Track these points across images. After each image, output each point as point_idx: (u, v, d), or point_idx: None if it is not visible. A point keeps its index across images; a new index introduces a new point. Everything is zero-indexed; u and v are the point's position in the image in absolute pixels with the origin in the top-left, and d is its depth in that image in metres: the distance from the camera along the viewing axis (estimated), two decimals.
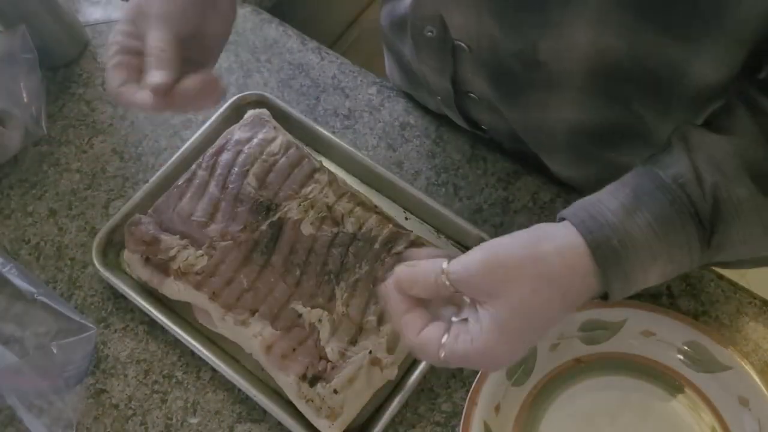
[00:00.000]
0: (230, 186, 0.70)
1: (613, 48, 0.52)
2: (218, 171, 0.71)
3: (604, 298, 0.47)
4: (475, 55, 0.61)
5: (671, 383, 0.64)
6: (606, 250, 0.44)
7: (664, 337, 0.64)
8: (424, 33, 0.63)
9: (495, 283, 0.45)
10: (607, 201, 0.46)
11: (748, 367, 0.61)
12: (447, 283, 0.46)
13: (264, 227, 0.68)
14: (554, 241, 0.45)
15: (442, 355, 0.46)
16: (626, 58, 0.52)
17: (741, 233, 0.46)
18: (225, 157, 0.72)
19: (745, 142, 0.46)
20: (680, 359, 0.64)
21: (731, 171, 0.45)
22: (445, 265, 0.46)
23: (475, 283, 0.45)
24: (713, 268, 0.69)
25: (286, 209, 0.69)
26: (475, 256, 0.46)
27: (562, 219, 0.47)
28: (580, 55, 0.54)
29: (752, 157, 0.46)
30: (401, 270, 0.49)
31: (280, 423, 0.64)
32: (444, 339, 0.46)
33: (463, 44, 0.61)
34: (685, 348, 0.64)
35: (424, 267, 0.48)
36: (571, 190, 0.74)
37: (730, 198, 0.45)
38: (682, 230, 0.45)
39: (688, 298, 0.68)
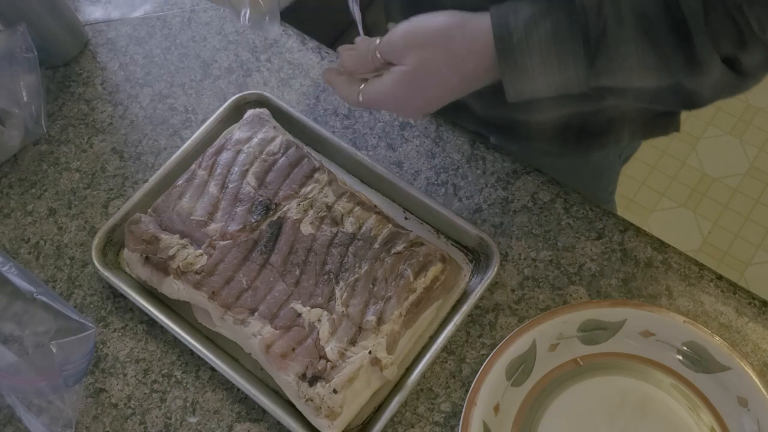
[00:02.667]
0: (230, 185, 0.70)
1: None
2: (218, 170, 0.71)
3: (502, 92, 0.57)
4: None
5: (670, 384, 0.64)
6: (506, 45, 0.54)
7: (664, 338, 0.64)
8: None
9: (407, 47, 0.57)
10: (523, 8, 0.54)
11: (747, 368, 0.61)
12: (378, 55, 0.59)
13: (263, 227, 0.68)
14: (467, 25, 0.56)
15: (360, 97, 0.61)
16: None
17: (619, 61, 0.53)
18: (225, 156, 0.72)
19: None
20: (679, 359, 0.64)
21: (625, 10, 0.52)
22: (377, 41, 0.59)
23: (395, 48, 0.58)
24: (711, 270, 0.70)
25: (285, 209, 0.69)
26: (400, 26, 0.58)
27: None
28: None
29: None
30: (343, 53, 0.62)
31: (279, 422, 0.64)
32: (362, 86, 0.61)
33: None
34: (685, 348, 0.64)
35: (361, 46, 0.61)
36: (571, 190, 0.74)
37: (617, 29, 0.53)
38: (572, 44, 0.53)
39: (688, 299, 0.68)
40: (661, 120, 0.82)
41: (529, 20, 0.54)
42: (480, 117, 0.81)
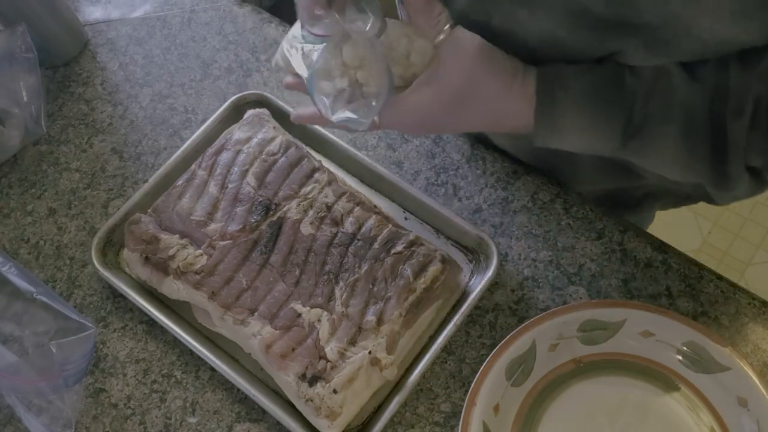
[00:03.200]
0: (229, 185, 0.70)
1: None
2: (218, 170, 0.71)
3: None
4: None
5: (670, 384, 0.64)
6: (546, 106, 0.53)
7: (663, 338, 0.64)
8: None
9: (471, 56, 0.54)
10: (570, 75, 0.53)
11: (747, 368, 0.61)
12: (447, 26, 0.55)
13: (263, 227, 0.68)
14: (525, 70, 0.55)
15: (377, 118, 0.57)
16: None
17: (653, 152, 0.54)
18: (224, 156, 0.72)
19: (697, 89, 0.52)
20: (679, 360, 0.64)
21: (673, 108, 0.52)
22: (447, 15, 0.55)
23: (461, 47, 0.54)
24: (711, 270, 0.70)
25: (285, 209, 0.69)
26: (472, 34, 0.54)
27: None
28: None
29: (696, 104, 0.52)
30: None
31: (279, 423, 0.64)
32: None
33: None
34: (684, 348, 0.64)
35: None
36: (570, 190, 0.74)
37: (659, 126, 0.53)
38: (611, 123, 0.53)
39: (687, 299, 0.68)
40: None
41: (575, 90, 0.53)
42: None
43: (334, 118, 0.55)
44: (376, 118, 0.56)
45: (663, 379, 0.64)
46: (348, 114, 0.55)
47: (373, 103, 0.55)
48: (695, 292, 0.68)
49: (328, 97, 0.56)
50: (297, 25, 0.60)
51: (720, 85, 0.51)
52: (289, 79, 0.62)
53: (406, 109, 0.56)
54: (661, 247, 0.71)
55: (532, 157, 0.76)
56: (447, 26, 0.54)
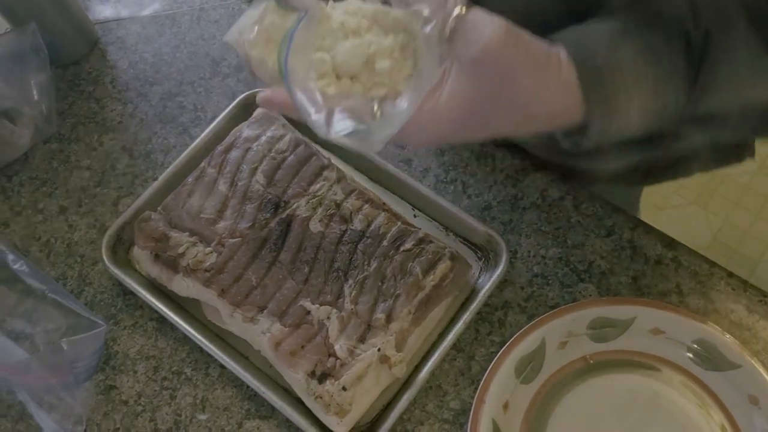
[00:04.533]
0: (239, 183, 0.70)
1: None
2: (227, 168, 0.71)
3: (581, 133, 0.46)
4: None
5: (680, 381, 0.63)
6: (589, 68, 0.43)
7: (674, 336, 0.64)
8: None
9: (498, 49, 0.42)
10: (596, 26, 0.44)
11: (758, 366, 0.61)
12: (462, 11, 0.43)
13: (272, 224, 0.68)
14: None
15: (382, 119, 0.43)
16: None
17: (727, 72, 0.44)
18: (234, 154, 0.72)
19: None
20: (689, 357, 0.64)
21: (730, 9, 0.43)
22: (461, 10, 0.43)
23: (483, 37, 0.42)
24: (721, 267, 0.69)
25: (294, 206, 0.69)
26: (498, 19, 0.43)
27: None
28: None
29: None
30: None
31: (288, 420, 0.64)
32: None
33: None
34: (695, 346, 0.63)
35: None
36: (580, 187, 0.74)
37: (723, 33, 0.43)
38: (670, 58, 0.44)
39: (698, 296, 0.68)
40: (734, 150, 0.71)
41: (611, 39, 0.44)
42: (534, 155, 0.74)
43: (333, 133, 0.40)
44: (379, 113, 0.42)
45: (673, 376, 0.63)
46: (353, 125, 0.40)
47: (403, 105, 0.39)
48: (705, 290, 0.68)
49: (313, 93, 0.40)
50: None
51: None
52: (266, 92, 0.50)
53: (441, 113, 0.44)
54: (672, 244, 0.71)
55: (547, 149, 0.71)
56: (459, 8, 0.42)
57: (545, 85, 0.44)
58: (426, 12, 0.40)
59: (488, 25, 0.42)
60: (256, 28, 0.42)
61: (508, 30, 0.43)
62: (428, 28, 0.40)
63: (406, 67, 0.41)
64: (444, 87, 0.44)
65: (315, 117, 0.40)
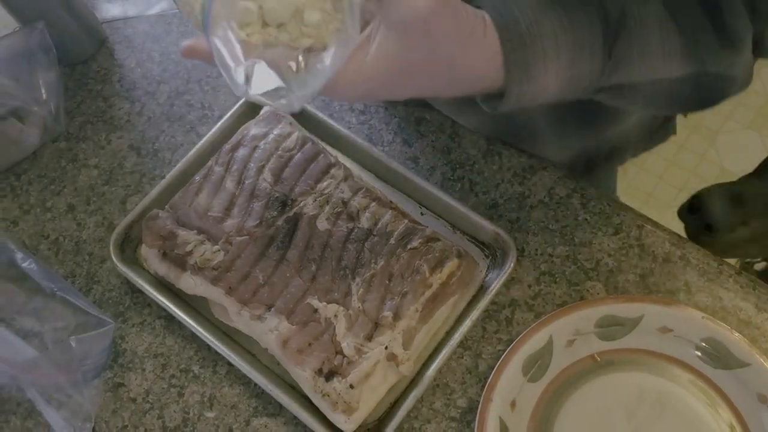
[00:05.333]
0: (246, 181, 0.70)
1: None
2: (234, 166, 0.71)
3: (498, 98, 0.48)
4: None
5: (688, 380, 0.63)
6: (513, 34, 0.45)
7: (682, 334, 0.64)
8: None
9: (429, 15, 0.42)
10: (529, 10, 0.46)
11: (767, 364, 0.60)
12: None
13: (280, 222, 0.68)
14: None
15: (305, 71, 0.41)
16: None
17: (641, 47, 0.47)
18: (241, 152, 0.72)
19: None
20: (698, 356, 0.63)
21: None
22: None
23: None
24: (731, 265, 0.69)
25: (301, 204, 0.69)
26: None
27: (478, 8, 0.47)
28: None
29: None
30: None
31: (296, 417, 0.64)
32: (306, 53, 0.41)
33: None
34: (703, 344, 0.63)
35: None
36: (588, 185, 0.74)
37: (639, 11, 0.47)
38: (589, 28, 0.46)
39: (706, 294, 0.67)
40: (659, 131, 0.80)
41: (535, 9, 0.46)
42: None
43: (251, 91, 0.38)
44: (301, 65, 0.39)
45: (681, 375, 0.63)
46: (273, 80, 0.37)
47: (327, 61, 0.37)
48: (714, 288, 0.68)
49: (234, 46, 0.37)
50: None
51: None
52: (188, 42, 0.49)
53: (367, 70, 0.44)
54: (680, 242, 0.70)
55: (496, 133, 0.76)
56: None
57: (471, 50, 0.45)
58: None
59: None
60: None
61: None
62: None
63: (335, 21, 0.39)
64: (372, 44, 0.45)
65: (234, 72, 0.38)
